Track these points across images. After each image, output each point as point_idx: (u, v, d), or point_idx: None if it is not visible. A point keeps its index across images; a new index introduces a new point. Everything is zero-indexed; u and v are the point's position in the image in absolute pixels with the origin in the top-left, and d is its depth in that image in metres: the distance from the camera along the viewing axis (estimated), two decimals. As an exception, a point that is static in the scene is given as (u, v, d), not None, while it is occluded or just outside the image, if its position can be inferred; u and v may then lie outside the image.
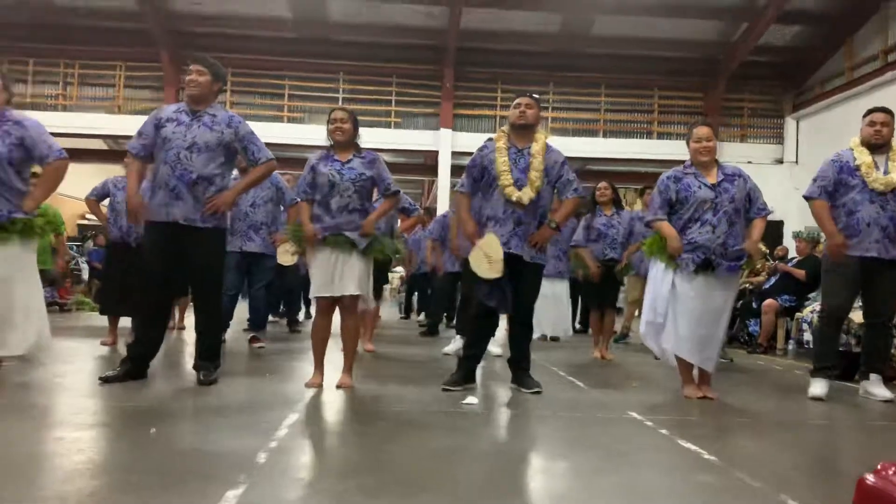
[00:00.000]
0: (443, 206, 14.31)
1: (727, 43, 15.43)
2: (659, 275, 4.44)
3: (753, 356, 7.59)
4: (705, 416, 3.98)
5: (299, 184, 4.46)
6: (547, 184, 4.40)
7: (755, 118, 16.55)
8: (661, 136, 16.19)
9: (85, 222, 19.83)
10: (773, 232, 12.62)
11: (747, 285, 8.52)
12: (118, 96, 15.83)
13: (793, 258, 8.59)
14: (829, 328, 4.73)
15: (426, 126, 16.01)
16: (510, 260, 4.26)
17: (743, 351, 7.93)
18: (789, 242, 10.18)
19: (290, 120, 15.84)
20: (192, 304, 4.56)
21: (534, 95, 4.52)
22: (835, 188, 4.63)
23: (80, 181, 8.55)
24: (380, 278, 6.65)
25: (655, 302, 4.42)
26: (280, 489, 2.31)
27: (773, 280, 8.28)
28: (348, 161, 4.34)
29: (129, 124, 13.75)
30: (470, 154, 4.59)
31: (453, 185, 6.44)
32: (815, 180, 4.70)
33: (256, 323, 6.65)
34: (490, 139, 4.52)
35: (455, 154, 15.29)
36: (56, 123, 11.75)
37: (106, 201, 6.38)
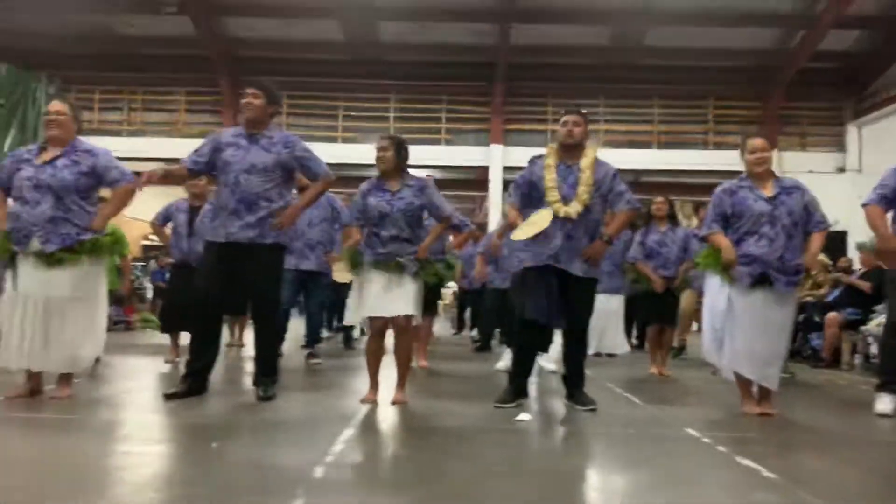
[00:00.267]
0: (494, 221, 14.33)
1: (784, 50, 15.13)
2: (715, 288, 4.37)
3: (816, 371, 7.37)
4: (765, 432, 3.88)
5: (351, 208, 4.54)
6: (598, 197, 4.36)
7: (815, 126, 16.16)
8: (716, 146, 15.93)
9: (148, 243, 20.46)
10: (836, 243, 12.25)
11: (809, 298, 8.29)
12: (178, 121, 16.38)
13: (857, 270, 8.33)
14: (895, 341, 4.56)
15: (476, 142, 16.09)
16: (562, 276, 4.25)
17: (805, 366, 7.71)
18: (853, 254, 9.88)
19: (345, 140, 16.12)
20: (250, 321, 4.68)
21: (581, 111, 4.50)
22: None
23: (143, 203, 8.79)
24: (433, 295, 6.69)
25: (713, 316, 4.35)
26: (336, 503, 2.35)
27: (836, 293, 8.05)
28: (398, 191, 4.37)
29: (188, 148, 14.19)
30: (521, 169, 4.59)
31: (504, 201, 6.46)
32: (875, 188, 4.57)
33: (313, 340, 6.78)
34: (539, 156, 4.51)
35: (506, 169, 15.32)
36: (120, 148, 12.14)
37: (169, 224, 6.61)
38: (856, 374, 7.19)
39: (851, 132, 15.57)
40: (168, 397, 4.21)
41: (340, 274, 6.63)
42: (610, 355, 7.83)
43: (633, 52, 15.32)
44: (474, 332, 11.55)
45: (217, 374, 4.56)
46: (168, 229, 6.53)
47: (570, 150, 4.40)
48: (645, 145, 15.98)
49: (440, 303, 14.30)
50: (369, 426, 3.74)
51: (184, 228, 6.29)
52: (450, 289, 17.43)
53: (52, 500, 2.30)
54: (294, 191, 5.24)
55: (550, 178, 4.33)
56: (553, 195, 4.29)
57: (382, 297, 4.28)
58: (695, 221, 8.88)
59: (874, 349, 6.89)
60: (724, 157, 14.80)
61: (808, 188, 4.41)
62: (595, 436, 3.72)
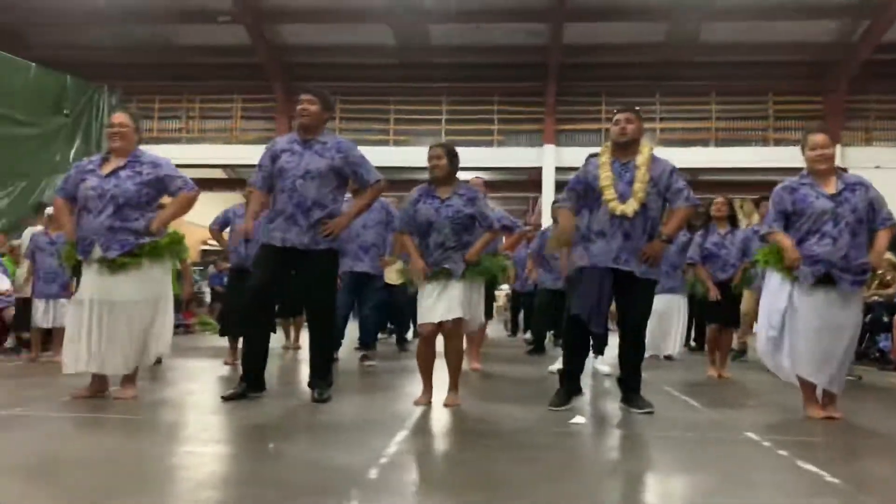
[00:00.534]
0: (547, 222, 14.25)
1: (847, 43, 14.65)
2: (774, 287, 4.24)
3: (884, 373, 7.10)
4: (829, 436, 3.76)
5: (401, 214, 4.57)
6: (656, 195, 4.27)
7: (882, 120, 15.61)
8: (776, 142, 15.51)
9: (207, 247, 20.97)
10: (905, 240, 11.77)
11: (876, 298, 7.99)
12: (234, 127, 16.76)
13: (927, 268, 7.99)
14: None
15: (529, 143, 16.02)
16: (620, 276, 4.19)
17: (873, 368, 7.43)
18: (923, 251, 9.48)
19: (396, 143, 16.25)
20: (306, 324, 4.75)
21: (634, 108, 4.44)
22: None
23: (201, 209, 8.98)
24: (487, 297, 6.68)
25: (770, 316, 4.23)
26: (390, 504, 2.37)
27: (905, 292, 7.74)
28: (448, 199, 4.38)
29: (244, 153, 14.58)
30: (575, 169, 4.54)
31: (553, 206, 6.40)
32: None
33: (367, 342, 6.84)
34: (594, 155, 4.46)
35: (559, 170, 15.21)
36: (179, 155, 12.55)
37: (227, 229, 6.76)
38: (927, 376, 6.90)
39: (920, 125, 15.01)
40: (227, 398, 4.30)
41: (394, 275, 6.68)
42: (668, 357, 7.69)
43: (688, 48, 15.05)
44: (528, 335, 11.49)
45: (274, 376, 4.64)
46: (226, 234, 6.67)
47: (625, 148, 4.33)
48: (702, 143, 15.67)
49: (494, 305, 14.29)
50: (423, 428, 3.76)
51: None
52: (503, 291, 17.37)
53: (117, 497, 2.37)
54: (348, 194, 5.29)
55: (606, 175, 4.26)
56: (609, 193, 4.22)
57: (432, 303, 4.30)
58: (755, 218, 8.62)
59: (947, 351, 6.60)
60: (785, 153, 14.40)
61: (873, 184, 4.26)
62: (652, 439, 3.65)
